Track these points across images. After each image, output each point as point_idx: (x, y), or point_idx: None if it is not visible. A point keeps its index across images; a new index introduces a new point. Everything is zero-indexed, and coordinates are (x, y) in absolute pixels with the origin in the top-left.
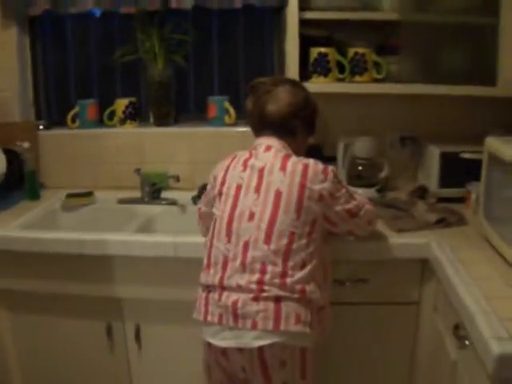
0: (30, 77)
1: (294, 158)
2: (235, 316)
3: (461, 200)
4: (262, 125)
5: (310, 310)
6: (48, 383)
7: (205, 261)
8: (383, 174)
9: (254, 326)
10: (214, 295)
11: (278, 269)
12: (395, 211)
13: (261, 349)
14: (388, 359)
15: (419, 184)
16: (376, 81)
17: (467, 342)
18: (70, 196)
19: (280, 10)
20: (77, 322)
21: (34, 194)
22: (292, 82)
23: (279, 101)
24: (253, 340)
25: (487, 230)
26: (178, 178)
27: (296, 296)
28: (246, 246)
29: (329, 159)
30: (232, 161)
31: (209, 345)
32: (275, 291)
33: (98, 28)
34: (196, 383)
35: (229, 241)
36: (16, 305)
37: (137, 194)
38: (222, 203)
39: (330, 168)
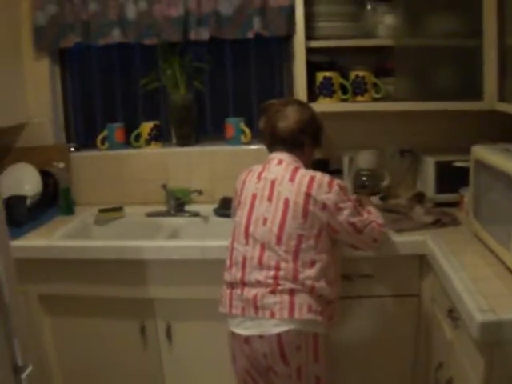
0: (61, 103)
1: (302, 171)
2: (255, 308)
3: (455, 204)
4: (274, 140)
5: (320, 303)
6: (86, 380)
7: (227, 262)
8: (385, 183)
9: (272, 316)
10: (237, 290)
11: (290, 265)
12: (396, 215)
13: (279, 335)
14: (393, 346)
15: (417, 191)
16: (375, 100)
17: (460, 322)
18: (102, 211)
19: (288, 39)
20: (113, 323)
21: (69, 210)
22: (299, 102)
23: (288, 119)
24: (272, 327)
25: (476, 227)
26: (201, 192)
27: (307, 290)
28: (262, 247)
29: (335, 172)
30: (248, 174)
31: (233, 334)
32: (289, 285)
33: (121, 57)
34: (224, 375)
35: (247, 243)
36: (56, 309)
37: (163, 207)
38: (240, 211)
39: (336, 182)
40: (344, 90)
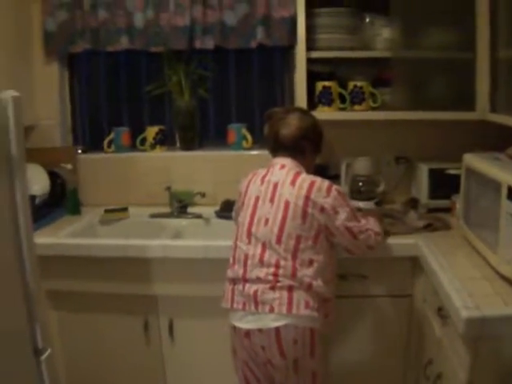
0: (69, 107)
1: (304, 175)
2: (256, 303)
3: (447, 210)
4: (277, 146)
5: (317, 300)
6: (89, 374)
7: (230, 259)
8: (380, 189)
9: (271, 310)
10: (239, 286)
11: (289, 264)
12: (390, 219)
13: (277, 329)
14: (386, 343)
15: (411, 196)
16: (372, 109)
17: (448, 320)
18: (107, 211)
19: (290, 49)
20: (117, 319)
21: (76, 210)
22: (301, 110)
23: (291, 126)
24: (271, 322)
25: (466, 231)
26: (203, 194)
27: (304, 287)
28: (263, 245)
29: (333, 177)
30: (253, 177)
31: (234, 328)
32: (288, 282)
33: (128, 63)
34: (224, 372)
35: (249, 242)
36: (62, 304)
37: (166, 209)
38: (243, 211)
39: (335, 187)
40: (342, 99)
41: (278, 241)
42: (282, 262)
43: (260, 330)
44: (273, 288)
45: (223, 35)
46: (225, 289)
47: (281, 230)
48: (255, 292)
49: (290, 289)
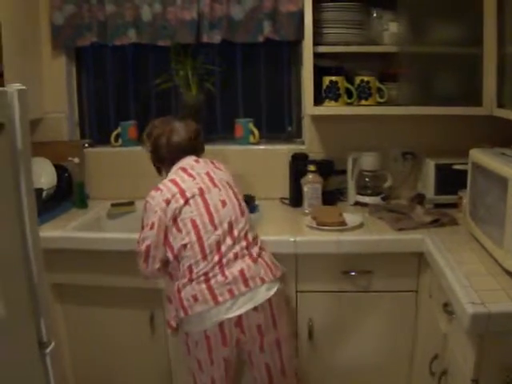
0: (76, 100)
1: (215, 162)
2: (245, 280)
3: (454, 205)
4: (177, 154)
5: None
6: (96, 367)
7: (198, 256)
8: (387, 184)
9: (263, 281)
10: (217, 278)
11: (253, 233)
12: (397, 214)
13: (269, 299)
14: (391, 339)
15: (417, 192)
16: (379, 104)
17: (454, 316)
18: (114, 205)
19: (297, 43)
20: (122, 312)
21: (83, 203)
22: (179, 119)
23: (182, 133)
24: (266, 291)
25: (472, 227)
26: None
27: (264, 249)
28: (230, 225)
29: (340, 172)
30: (176, 183)
31: (221, 325)
32: (256, 250)
33: (135, 56)
34: None
35: (216, 228)
36: (68, 298)
37: None
38: (193, 206)
39: None
40: (349, 94)
41: (242, 214)
42: (249, 234)
43: (255, 308)
44: (254, 260)
45: (230, 29)
46: (194, 293)
47: (240, 204)
48: (241, 271)
49: (261, 254)
